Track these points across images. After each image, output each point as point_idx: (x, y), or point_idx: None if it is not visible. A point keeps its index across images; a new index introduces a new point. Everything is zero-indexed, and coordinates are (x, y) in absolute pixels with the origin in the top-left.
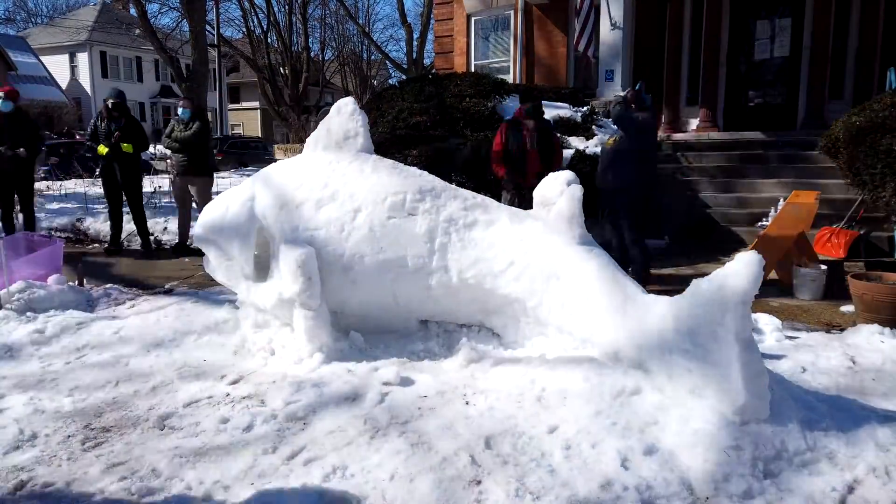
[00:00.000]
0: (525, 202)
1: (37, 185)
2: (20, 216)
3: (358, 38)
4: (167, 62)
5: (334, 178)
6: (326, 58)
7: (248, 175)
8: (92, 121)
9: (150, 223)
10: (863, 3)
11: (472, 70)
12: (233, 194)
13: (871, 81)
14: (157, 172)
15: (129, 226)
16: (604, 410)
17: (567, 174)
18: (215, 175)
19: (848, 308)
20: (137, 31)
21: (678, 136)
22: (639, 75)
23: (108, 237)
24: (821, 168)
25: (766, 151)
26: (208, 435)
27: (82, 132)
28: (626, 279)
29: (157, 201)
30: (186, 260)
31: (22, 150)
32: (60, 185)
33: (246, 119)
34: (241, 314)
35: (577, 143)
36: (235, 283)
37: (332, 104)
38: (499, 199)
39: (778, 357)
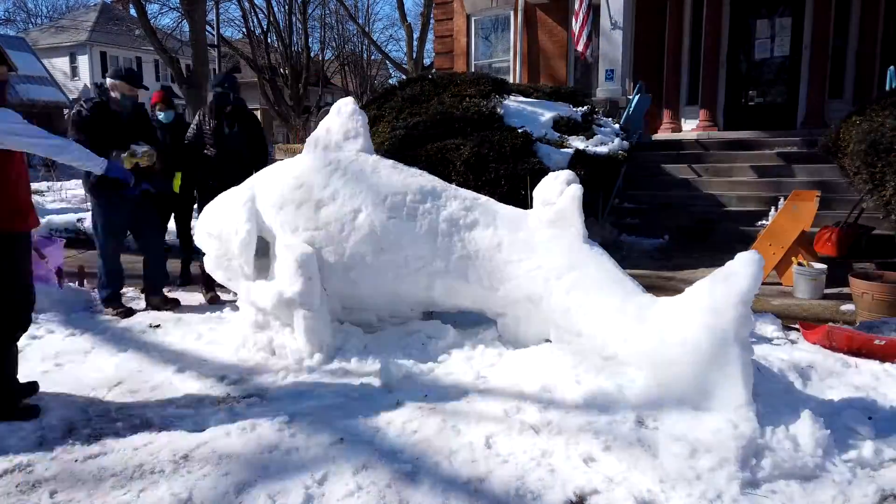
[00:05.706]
0: None
1: (36, 185)
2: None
3: (358, 38)
4: (167, 62)
5: (334, 179)
6: (326, 58)
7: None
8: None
9: None
10: (863, 3)
11: (473, 70)
12: (233, 194)
13: (871, 81)
14: None
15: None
16: (604, 410)
17: (567, 174)
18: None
19: (848, 307)
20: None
21: (678, 136)
22: (639, 75)
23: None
24: (821, 167)
25: (766, 151)
26: (209, 435)
27: None
28: (627, 279)
29: None
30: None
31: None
32: (61, 186)
33: None
34: (241, 314)
35: (577, 142)
36: (235, 283)
37: (332, 104)
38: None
39: (778, 357)
